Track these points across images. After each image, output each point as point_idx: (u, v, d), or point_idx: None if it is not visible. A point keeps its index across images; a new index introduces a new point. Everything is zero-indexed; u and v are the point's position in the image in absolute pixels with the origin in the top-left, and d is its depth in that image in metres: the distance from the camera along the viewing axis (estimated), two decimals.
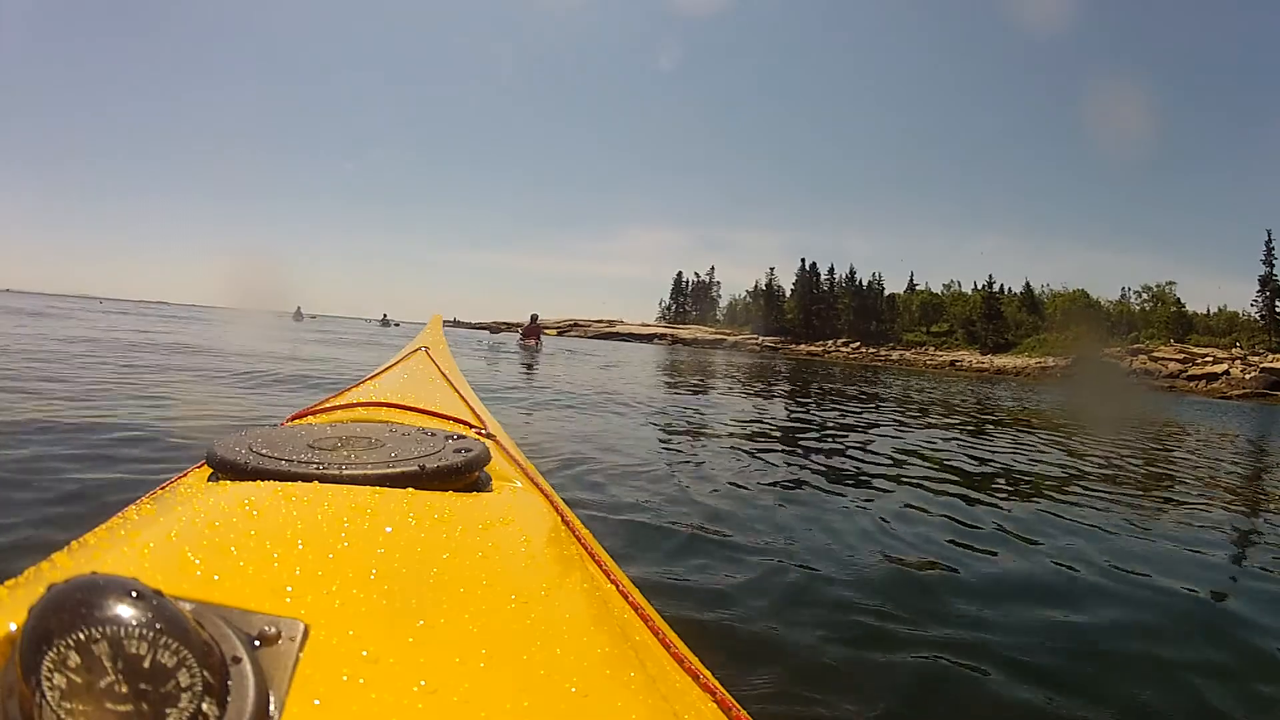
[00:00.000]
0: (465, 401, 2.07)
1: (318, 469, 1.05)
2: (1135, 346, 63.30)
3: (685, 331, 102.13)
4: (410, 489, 1.05)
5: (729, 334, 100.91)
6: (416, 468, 1.11)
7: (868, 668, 2.16)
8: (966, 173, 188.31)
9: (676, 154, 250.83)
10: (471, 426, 1.73)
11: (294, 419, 1.63)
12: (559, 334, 35.30)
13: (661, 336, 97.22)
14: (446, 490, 1.10)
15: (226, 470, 1.08)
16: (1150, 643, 2.61)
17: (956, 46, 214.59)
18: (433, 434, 1.35)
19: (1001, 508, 4.66)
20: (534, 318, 30.76)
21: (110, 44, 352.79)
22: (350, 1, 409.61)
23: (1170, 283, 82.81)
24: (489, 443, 1.40)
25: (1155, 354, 57.96)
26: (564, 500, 1.35)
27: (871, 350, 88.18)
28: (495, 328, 34.64)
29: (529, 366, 16.63)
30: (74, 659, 0.47)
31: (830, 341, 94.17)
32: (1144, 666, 2.42)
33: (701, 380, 16.73)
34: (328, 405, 1.77)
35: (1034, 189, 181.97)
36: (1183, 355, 55.98)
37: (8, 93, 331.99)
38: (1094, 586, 3.14)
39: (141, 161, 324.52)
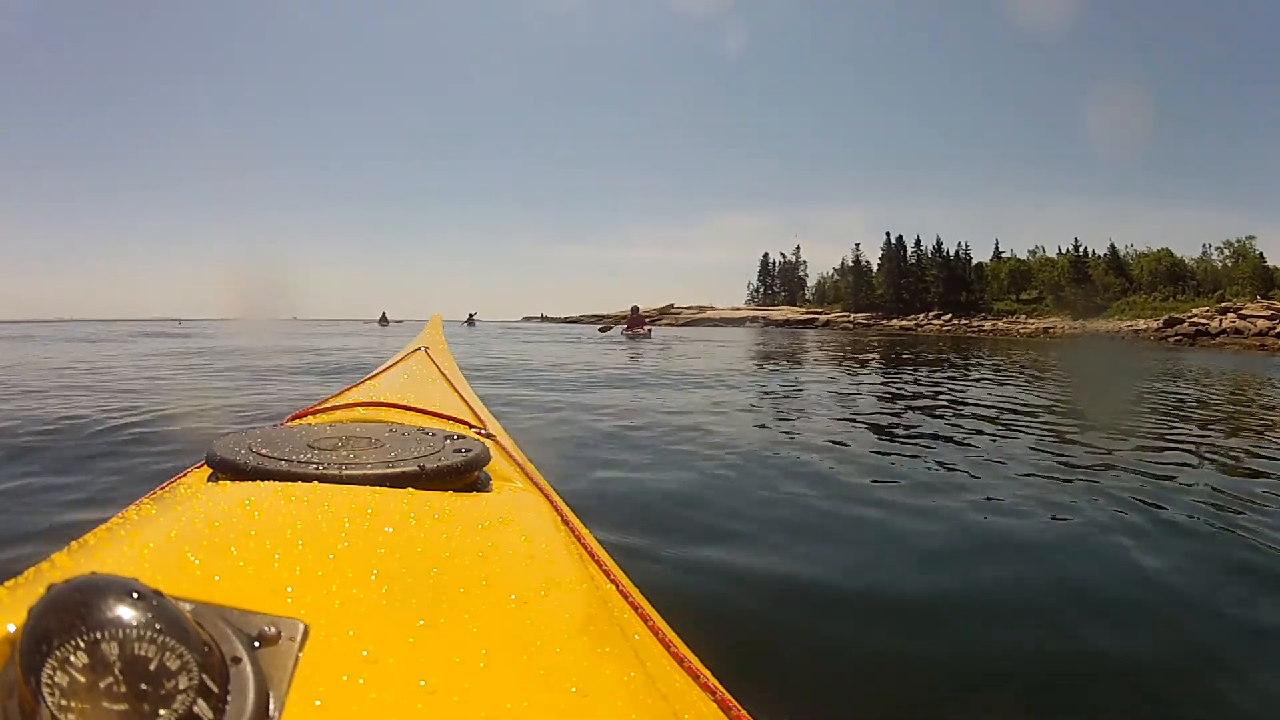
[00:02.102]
0: (465, 401, 2.08)
1: (317, 469, 1.06)
2: (1223, 305, 60.58)
3: (776, 313, 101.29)
4: (410, 489, 1.05)
5: (820, 313, 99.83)
6: (416, 468, 1.11)
7: (880, 666, 2.09)
8: (1042, 136, 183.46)
9: (752, 137, 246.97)
10: (471, 426, 1.74)
11: (294, 419, 1.64)
12: (650, 323, 35.40)
13: (753, 319, 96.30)
14: (446, 490, 1.10)
15: (226, 470, 1.09)
16: None
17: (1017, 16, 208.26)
18: (432, 434, 1.36)
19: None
20: (635, 309, 31.52)
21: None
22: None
23: (1250, 237, 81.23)
24: (489, 443, 1.41)
25: (1243, 311, 55.30)
26: (564, 500, 1.35)
27: (963, 322, 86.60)
28: (605, 324, 34.41)
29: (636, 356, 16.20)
30: (74, 659, 0.47)
31: (922, 315, 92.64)
32: None
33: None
34: (328, 405, 1.78)
35: (1108, 150, 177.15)
36: (1270, 312, 52.89)
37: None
38: None
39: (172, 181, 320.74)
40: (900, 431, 6.28)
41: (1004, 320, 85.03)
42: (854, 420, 6.73)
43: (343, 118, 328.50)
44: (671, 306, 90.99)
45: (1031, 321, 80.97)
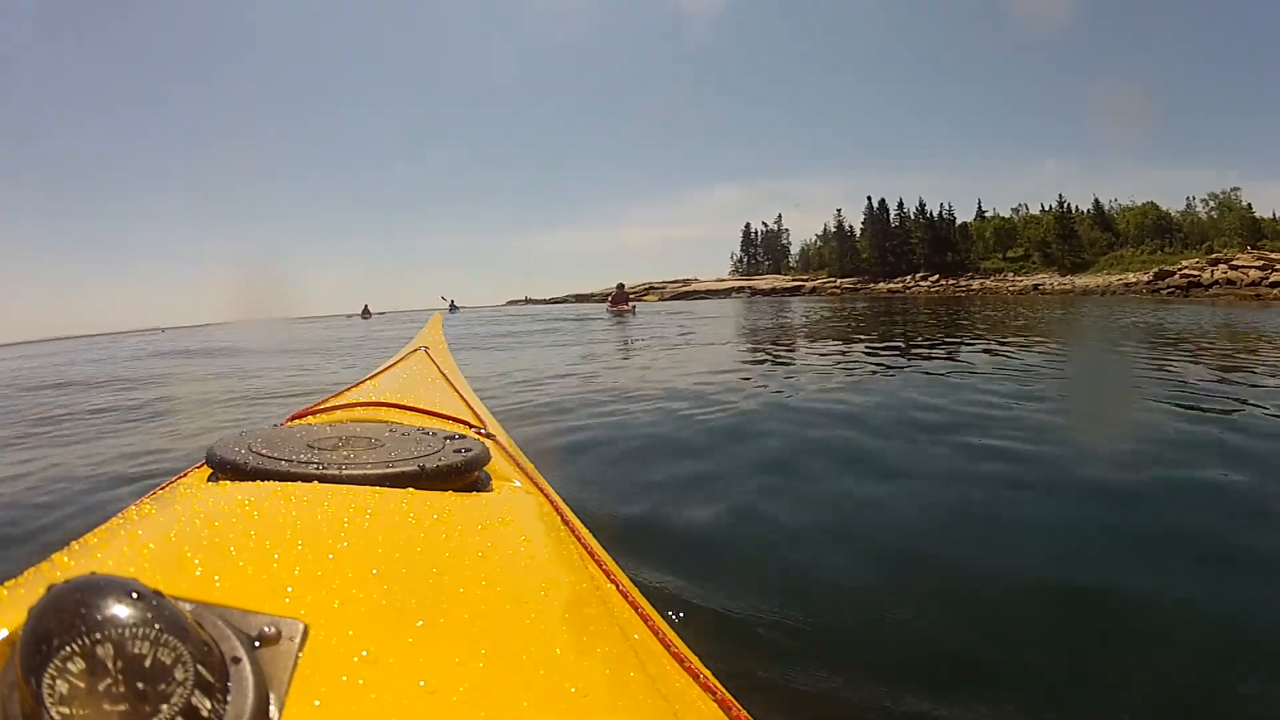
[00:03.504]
0: (465, 401, 2.07)
1: (317, 469, 1.06)
2: (1214, 256, 59.82)
3: (762, 282, 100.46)
4: (410, 489, 1.05)
5: (806, 280, 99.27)
6: (416, 468, 1.11)
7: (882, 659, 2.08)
8: (1018, 97, 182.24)
9: (732, 110, 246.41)
10: (471, 426, 1.73)
11: (293, 419, 1.63)
12: (636, 299, 35.61)
13: (739, 290, 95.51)
14: (446, 490, 1.10)
15: (226, 470, 1.09)
16: None
17: None
18: (432, 434, 1.35)
19: None
20: (620, 287, 32.45)
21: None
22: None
23: (1235, 189, 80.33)
24: (489, 443, 1.41)
25: (1235, 262, 54.44)
26: (564, 499, 1.35)
27: (951, 281, 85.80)
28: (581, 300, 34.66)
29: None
30: (74, 659, 0.47)
31: (909, 277, 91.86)
32: None
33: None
34: (327, 405, 1.77)
35: (1088, 108, 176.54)
36: (1261, 262, 52.19)
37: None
38: None
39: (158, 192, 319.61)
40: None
41: (992, 279, 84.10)
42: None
43: (323, 111, 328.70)
44: (650, 287, 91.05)
45: (1020, 279, 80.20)
